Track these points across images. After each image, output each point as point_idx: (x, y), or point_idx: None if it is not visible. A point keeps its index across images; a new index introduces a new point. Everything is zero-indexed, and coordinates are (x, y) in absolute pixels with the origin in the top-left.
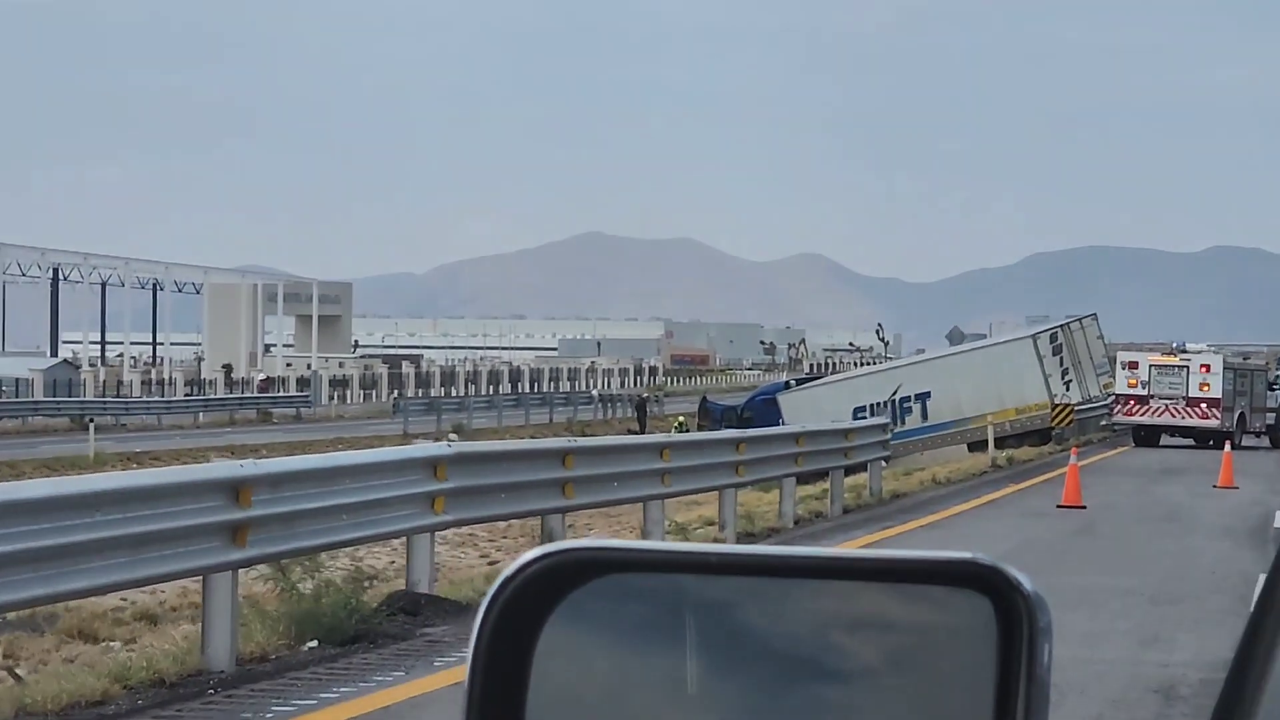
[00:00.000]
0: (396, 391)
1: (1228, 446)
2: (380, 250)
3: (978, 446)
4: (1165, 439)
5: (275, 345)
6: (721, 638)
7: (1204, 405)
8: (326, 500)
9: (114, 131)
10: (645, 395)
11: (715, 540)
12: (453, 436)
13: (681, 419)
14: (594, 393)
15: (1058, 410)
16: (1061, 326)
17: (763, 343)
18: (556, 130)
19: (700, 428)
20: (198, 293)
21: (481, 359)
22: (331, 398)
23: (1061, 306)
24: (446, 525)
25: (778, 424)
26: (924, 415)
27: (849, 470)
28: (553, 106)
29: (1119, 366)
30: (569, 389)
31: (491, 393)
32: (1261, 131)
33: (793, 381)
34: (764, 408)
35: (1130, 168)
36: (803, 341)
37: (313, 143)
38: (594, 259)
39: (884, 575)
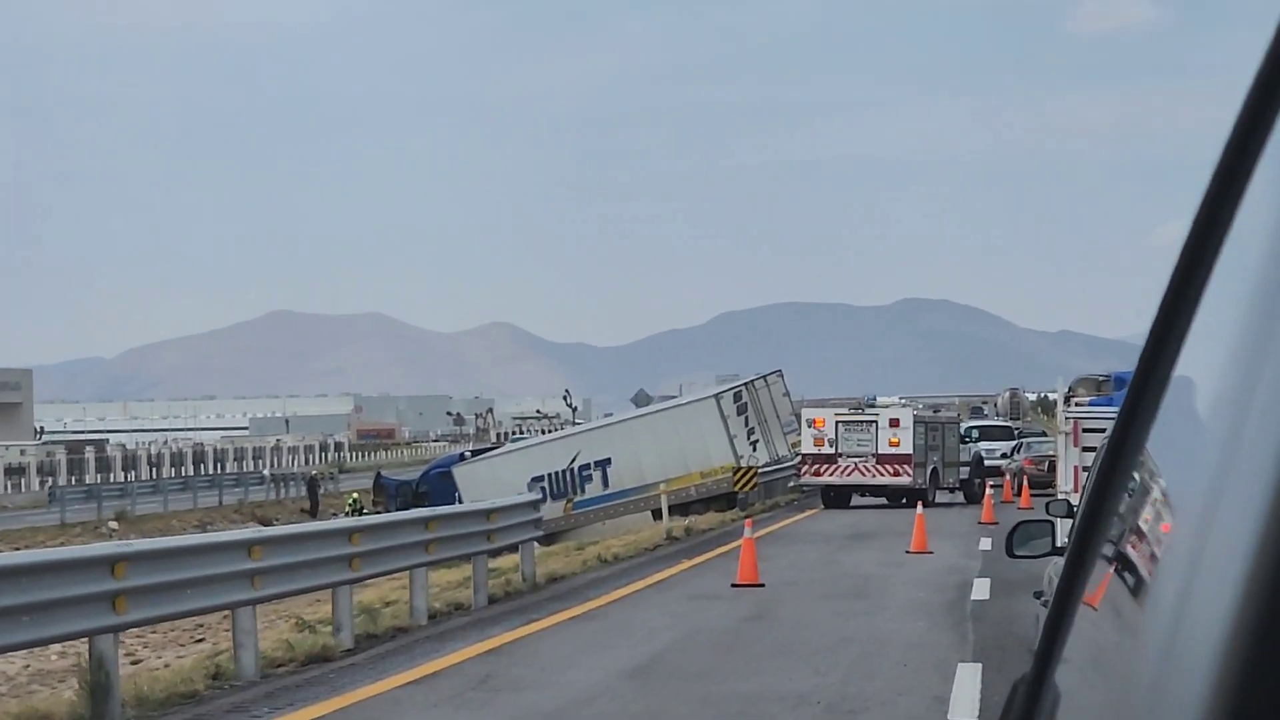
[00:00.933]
0: (51, 480)
1: (920, 507)
2: (68, 334)
3: (658, 514)
4: (856, 499)
5: None
6: None
7: (895, 462)
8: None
9: None
10: (316, 474)
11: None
12: (113, 525)
13: (355, 496)
14: (265, 473)
15: (741, 473)
16: (746, 384)
17: (449, 413)
18: (243, 208)
19: (374, 503)
20: None
21: (167, 442)
22: (5, 487)
23: (754, 364)
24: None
25: (454, 498)
26: (605, 482)
27: (498, 552)
28: (239, 183)
29: (803, 423)
30: (246, 469)
31: (172, 475)
32: (941, 185)
33: (468, 453)
34: (439, 481)
35: (817, 223)
36: (489, 411)
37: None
38: (285, 337)
39: None
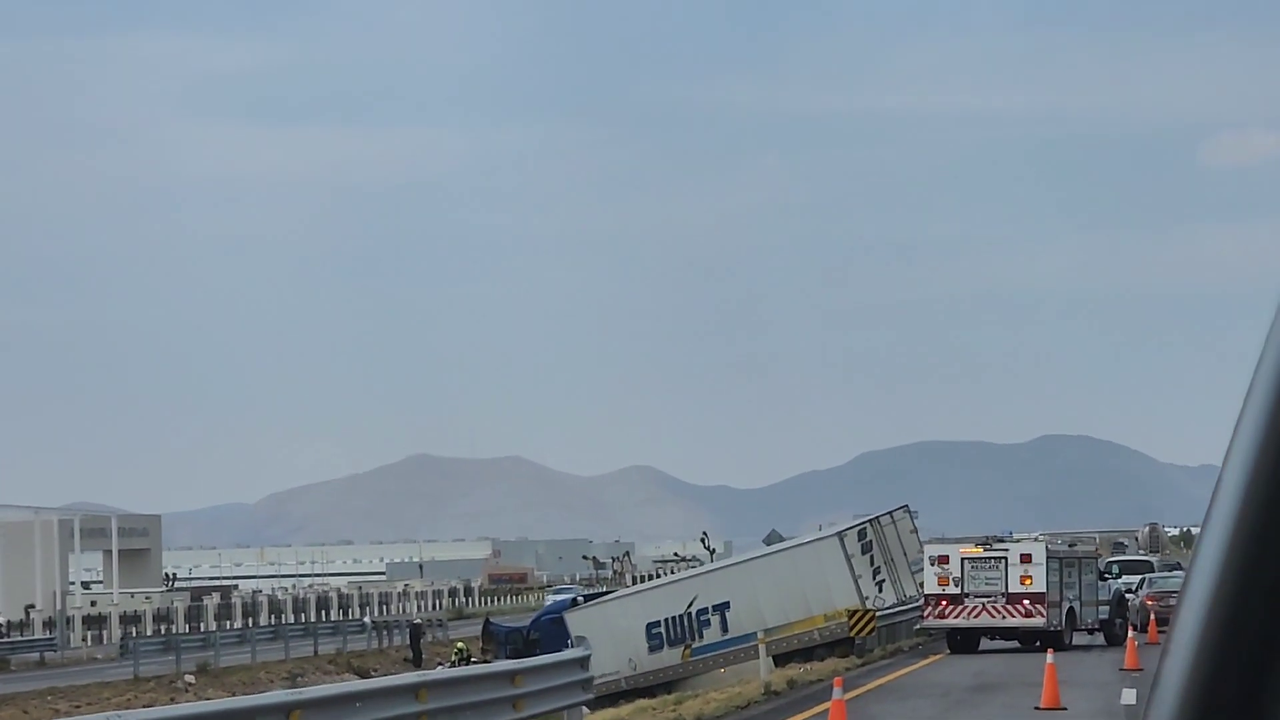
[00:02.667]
0: (131, 630)
1: (1050, 655)
2: (211, 481)
3: (785, 659)
4: (985, 642)
5: (75, 584)
6: None
7: (1026, 601)
8: None
9: None
10: (419, 621)
11: None
12: (189, 679)
13: (461, 645)
14: (366, 620)
15: (857, 616)
16: (870, 522)
17: (585, 557)
18: (383, 351)
19: (484, 651)
20: None
21: (297, 587)
22: (84, 639)
23: (892, 504)
24: None
25: (566, 644)
26: (724, 627)
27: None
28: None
29: (926, 561)
30: (369, 615)
31: (294, 621)
32: (1078, 320)
33: (580, 598)
34: (551, 627)
35: (955, 361)
36: (627, 554)
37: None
38: (423, 481)
39: None
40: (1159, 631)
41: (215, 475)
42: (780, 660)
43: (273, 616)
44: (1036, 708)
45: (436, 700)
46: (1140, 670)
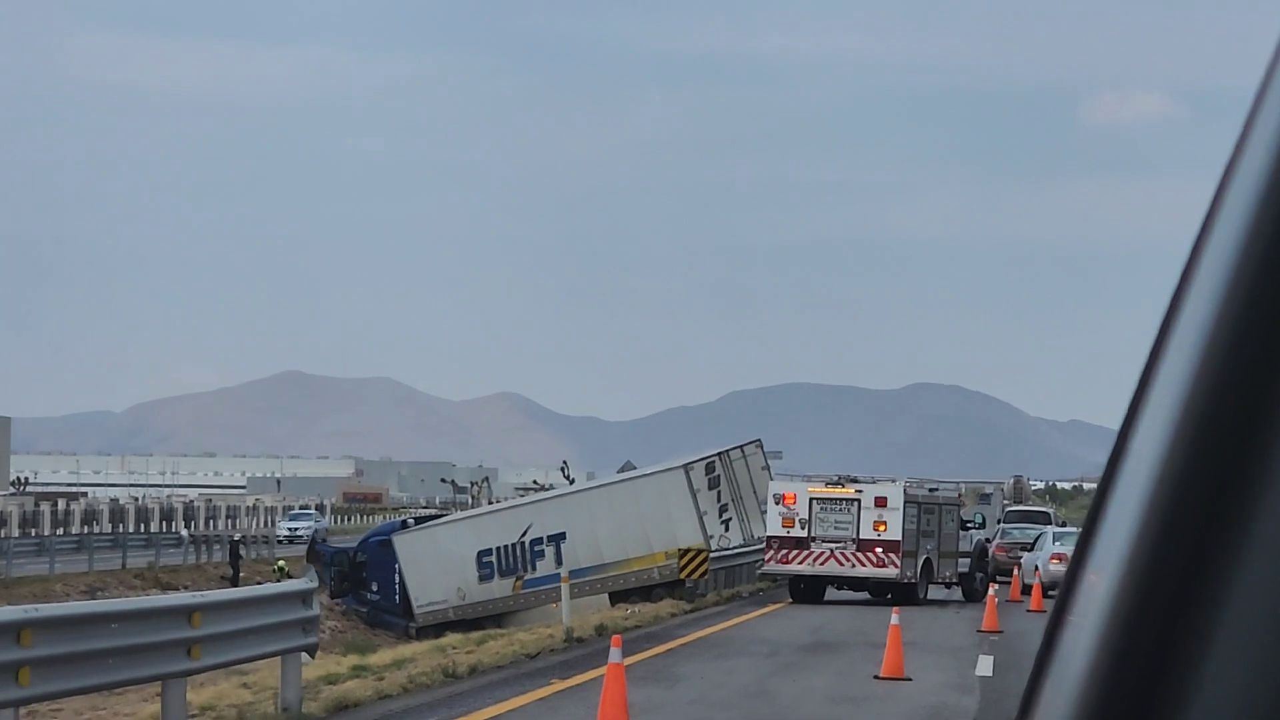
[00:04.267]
0: None
1: (894, 616)
2: (78, 388)
3: (620, 596)
4: (833, 592)
5: None
6: None
7: (879, 549)
8: None
9: None
10: (238, 537)
11: None
12: None
13: (282, 563)
14: (183, 533)
15: (689, 557)
16: (719, 455)
17: (443, 480)
18: (258, 268)
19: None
20: None
21: (145, 498)
22: None
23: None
24: None
25: (394, 568)
26: (559, 559)
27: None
28: (255, 244)
29: (770, 500)
30: (189, 529)
31: (120, 530)
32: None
33: (411, 520)
34: (379, 550)
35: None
36: (486, 479)
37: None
38: (293, 398)
39: None
40: (1046, 596)
41: (83, 382)
42: (617, 598)
43: (116, 526)
44: (876, 676)
45: (42, 646)
46: (999, 633)
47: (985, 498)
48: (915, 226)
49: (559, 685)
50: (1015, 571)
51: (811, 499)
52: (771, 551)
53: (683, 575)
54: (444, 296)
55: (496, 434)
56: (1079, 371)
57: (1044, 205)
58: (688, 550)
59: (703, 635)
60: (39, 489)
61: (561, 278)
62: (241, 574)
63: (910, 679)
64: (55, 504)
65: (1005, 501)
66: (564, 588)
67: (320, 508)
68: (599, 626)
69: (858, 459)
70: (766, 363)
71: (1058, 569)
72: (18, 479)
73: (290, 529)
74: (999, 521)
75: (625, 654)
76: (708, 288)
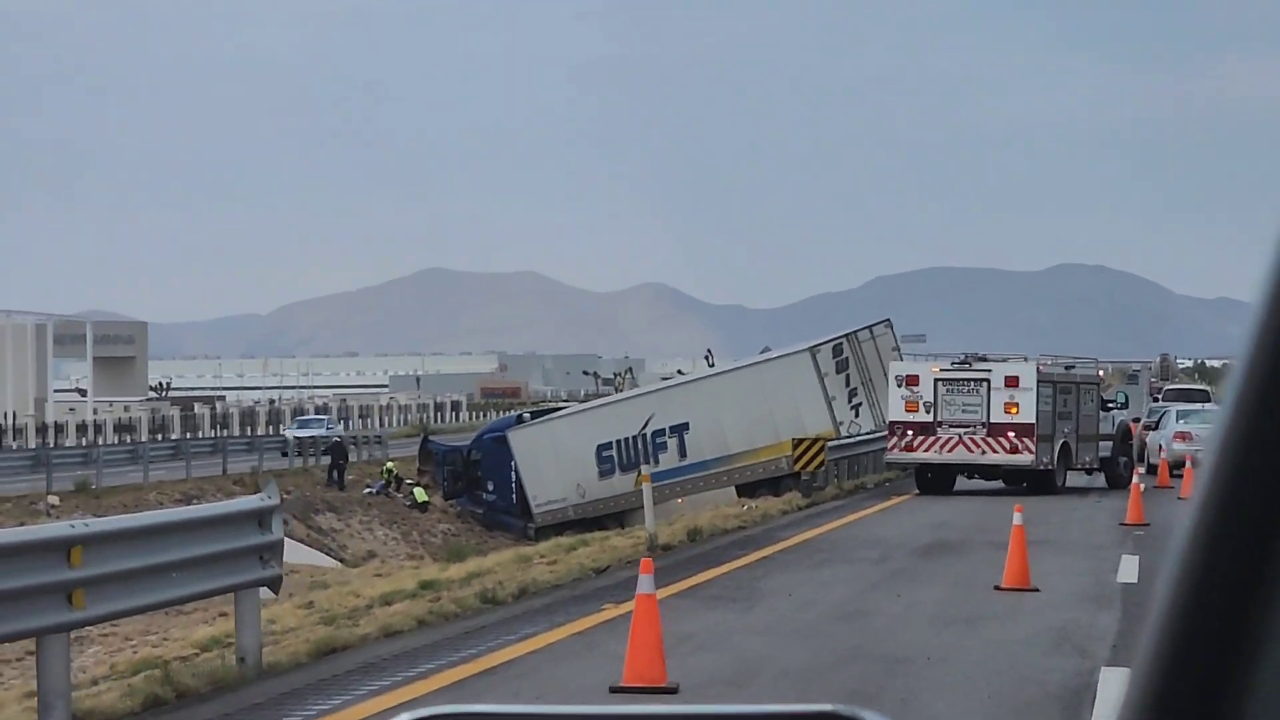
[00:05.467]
0: (82, 440)
1: (1017, 515)
2: (226, 291)
3: (748, 490)
4: (963, 481)
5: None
6: None
7: (1011, 434)
8: None
9: None
10: (340, 438)
11: None
12: (53, 500)
13: (390, 465)
14: (287, 434)
15: (804, 447)
16: (847, 337)
17: (586, 372)
18: (400, 166)
19: (420, 473)
20: None
21: (281, 399)
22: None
23: (905, 328)
24: None
25: (510, 466)
26: (682, 451)
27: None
28: (396, 142)
29: (892, 382)
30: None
31: (251, 433)
32: (1098, 152)
33: (527, 415)
34: (493, 447)
35: (972, 189)
36: (630, 370)
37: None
38: (436, 295)
39: None
40: (1172, 475)
41: (231, 286)
42: (744, 491)
43: (245, 429)
44: (997, 586)
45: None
46: (1145, 526)
47: (1133, 376)
48: (1055, 109)
49: (610, 612)
50: (1163, 458)
51: (936, 380)
52: (895, 438)
53: (797, 468)
54: (588, 190)
55: (642, 325)
56: (1227, 246)
57: (1188, 82)
58: (802, 440)
59: (808, 537)
60: (179, 393)
61: (705, 169)
62: (347, 477)
63: (1037, 589)
64: (184, 408)
65: (1153, 380)
66: (645, 488)
67: (455, 404)
68: (693, 530)
69: (1000, 341)
70: (910, 247)
71: (1181, 448)
72: (159, 383)
73: (295, 438)
74: (1155, 399)
75: (712, 563)
76: (848, 175)
